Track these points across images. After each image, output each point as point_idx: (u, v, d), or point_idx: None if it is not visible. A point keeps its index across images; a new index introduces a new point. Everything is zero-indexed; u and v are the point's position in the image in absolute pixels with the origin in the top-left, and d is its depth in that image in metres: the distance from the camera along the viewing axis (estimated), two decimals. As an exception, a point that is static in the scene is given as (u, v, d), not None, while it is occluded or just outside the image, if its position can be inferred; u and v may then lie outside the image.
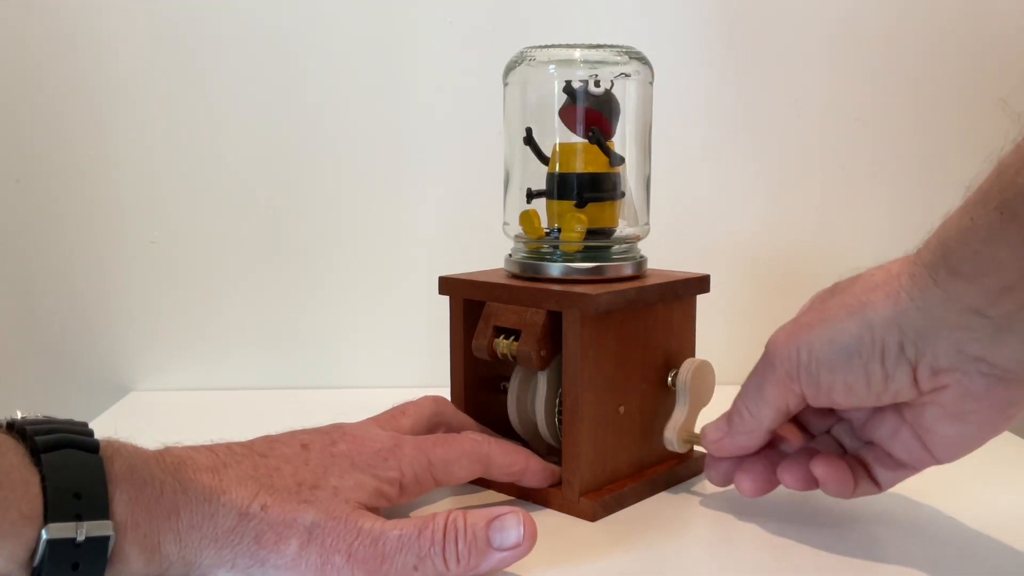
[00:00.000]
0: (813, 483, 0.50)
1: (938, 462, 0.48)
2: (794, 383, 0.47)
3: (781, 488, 0.51)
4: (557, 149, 0.57)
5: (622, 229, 0.58)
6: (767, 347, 0.49)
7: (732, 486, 0.53)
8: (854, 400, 0.46)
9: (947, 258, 0.40)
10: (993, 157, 0.39)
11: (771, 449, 0.52)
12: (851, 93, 0.82)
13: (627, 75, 0.57)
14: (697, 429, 0.55)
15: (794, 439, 0.51)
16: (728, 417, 0.51)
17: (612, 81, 0.57)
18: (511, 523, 0.44)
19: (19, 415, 0.41)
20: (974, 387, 0.43)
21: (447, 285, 0.58)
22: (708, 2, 0.81)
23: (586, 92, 0.56)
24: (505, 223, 0.60)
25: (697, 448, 0.58)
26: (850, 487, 0.49)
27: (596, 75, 0.55)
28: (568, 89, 0.56)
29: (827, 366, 0.46)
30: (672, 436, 0.55)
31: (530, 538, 0.44)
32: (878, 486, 0.49)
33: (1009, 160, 0.38)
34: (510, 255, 0.59)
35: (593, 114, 0.56)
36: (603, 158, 0.56)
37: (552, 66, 0.57)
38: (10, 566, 0.37)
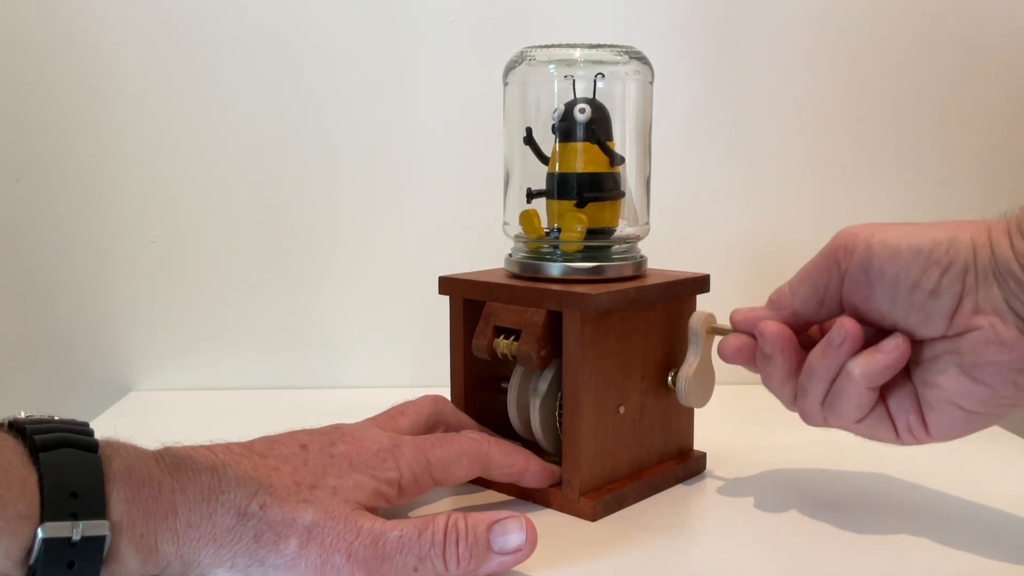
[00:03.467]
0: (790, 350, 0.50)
1: (928, 435, 0.47)
2: (847, 259, 0.47)
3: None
4: (557, 149, 0.57)
5: (622, 229, 0.58)
6: (839, 232, 0.49)
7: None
8: (885, 306, 0.47)
9: (1021, 223, 0.44)
10: None
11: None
12: (851, 93, 0.82)
13: (624, 76, 0.57)
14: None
15: (851, 327, 0.48)
16: (768, 299, 0.52)
17: (596, 102, 0.56)
18: (513, 527, 0.44)
19: (22, 415, 0.42)
20: (1006, 334, 0.44)
21: (447, 285, 0.58)
22: (708, 2, 0.81)
23: (577, 124, 0.56)
24: (505, 223, 0.60)
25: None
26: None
27: (584, 106, 0.55)
28: (566, 118, 0.56)
29: (892, 252, 0.46)
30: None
31: (531, 543, 0.44)
32: (896, 435, 0.49)
33: None
34: (510, 255, 0.59)
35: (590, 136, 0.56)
36: (603, 158, 0.56)
37: (552, 66, 0.57)
38: (6, 564, 0.37)
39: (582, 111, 0.55)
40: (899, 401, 0.48)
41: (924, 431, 0.48)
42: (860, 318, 0.49)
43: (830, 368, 0.48)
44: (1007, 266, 0.44)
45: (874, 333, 0.48)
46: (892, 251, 0.46)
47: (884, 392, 0.48)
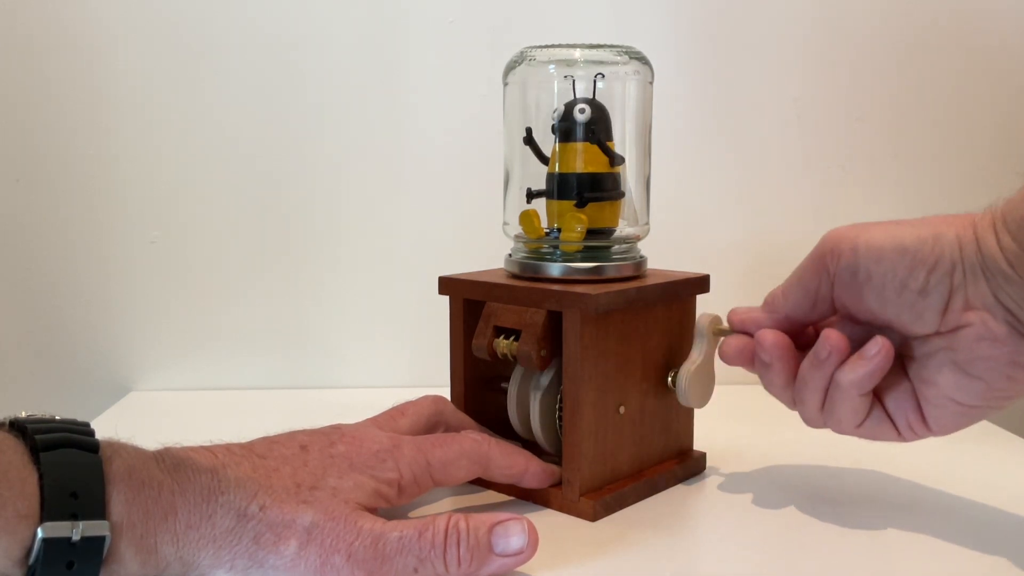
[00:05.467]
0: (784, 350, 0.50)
1: (928, 430, 0.48)
2: (834, 262, 0.48)
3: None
4: (557, 149, 0.57)
5: (622, 229, 0.58)
6: (825, 235, 0.50)
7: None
8: (876, 305, 0.47)
9: (1006, 216, 0.44)
10: None
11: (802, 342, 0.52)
12: (850, 93, 0.82)
13: (618, 75, 0.57)
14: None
15: (835, 339, 0.48)
16: (763, 302, 0.52)
17: (595, 102, 0.56)
18: (515, 529, 0.44)
19: (23, 414, 0.41)
20: (997, 330, 0.44)
21: (447, 285, 0.58)
22: (708, 2, 0.81)
23: (577, 124, 0.56)
24: (505, 223, 0.60)
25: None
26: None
27: (584, 106, 0.55)
28: (566, 118, 0.56)
29: (877, 254, 0.47)
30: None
31: (532, 545, 0.44)
32: (898, 434, 0.49)
33: None
34: (510, 255, 0.59)
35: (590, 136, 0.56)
36: (603, 158, 0.56)
37: (552, 66, 0.57)
38: (5, 564, 0.37)
39: (582, 111, 0.55)
40: (896, 400, 0.48)
41: (924, 427, 0.48)
42: (853, 318, 0.49)
43: (820, 379, 0.48)
44: (994, 262, 0.44)
45: (869, 331, 0.48)
46: (877, 253, 0.47)
47: (881, 393, 0.49)
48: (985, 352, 0.45)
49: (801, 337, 0.52)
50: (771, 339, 0.50)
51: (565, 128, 0.56)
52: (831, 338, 0.48)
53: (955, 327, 0.45)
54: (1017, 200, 0.44)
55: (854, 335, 0.49)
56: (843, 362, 0.48)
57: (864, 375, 0.47)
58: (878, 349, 0.47)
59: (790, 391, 0.51)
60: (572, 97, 0.57)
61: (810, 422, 0.51)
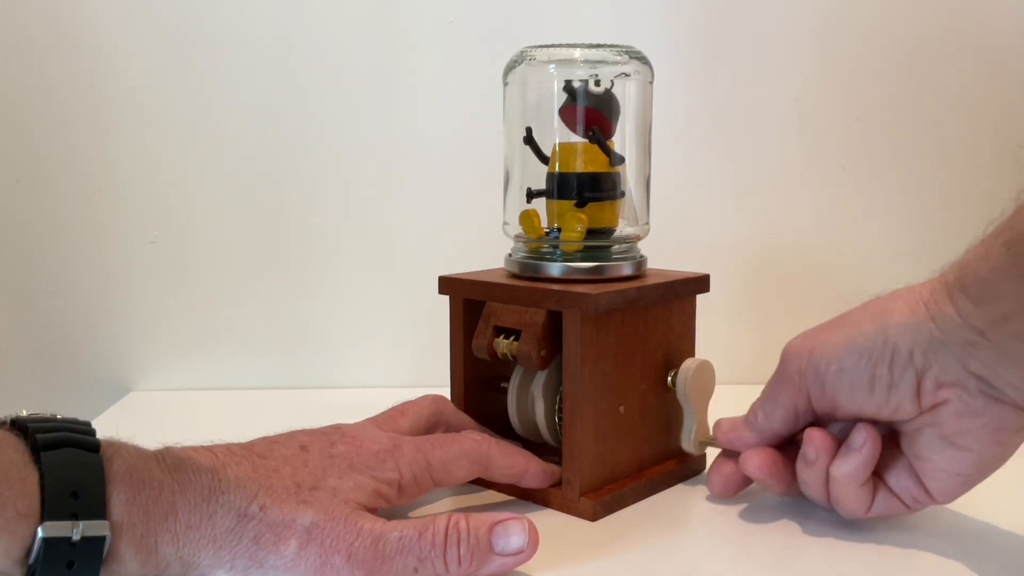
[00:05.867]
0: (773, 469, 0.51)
1: (933, 499, 0.48)
2: (802, 382, 0.49)
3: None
4: (557, 149, 0.57)
5: (622, 229, 0.58)
6: (784, 349, 0.50)
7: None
8: (854, 407, 0.47)
9: (962, 280, 0.43)
10: (1018, 197, 0.42)
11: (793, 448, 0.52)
12: (851, 93, 0.82)
13: (627, 75, 0.57)
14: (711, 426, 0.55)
15: (819, 440, 0.49)
16: (745, 416, 0.53)
17: (612, 81, 0.56)
18: (515, 529, 0.44)
19: (24, 413, 0.41)
20: (973, 404, 0.44)
21: (447, 285, 0.58)
22: (708, 2, 0.81)
23: (586, 91, 0.56)
24: (505, 223, 0.60)
25: (711, 449, 0.58)
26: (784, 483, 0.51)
27: (596, 75, 0.55)
28: (568, 88, 0.56)
29: (837, 366, 0.47)
30: (690, 444, 0.56)
31: (532, 545, 0.44)
32: (907, 508, 0.49)
33: None
34: (510, 255, 0.59)
35: (593, 113, 0.56)
36: (603, 158, 0.56)
37: (552, 66, 0.57)
38: (5, 563, 0.37)
39: (597, 83, 0.55)
40: (898, 478, 0.48)
41: (929, 497, 0.48)
42: (837, 417, 0.50)
43: (817, 477, 0.49)
44: (955, 332, 0.43)
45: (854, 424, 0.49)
46: (837, 363, 0.47)
47: (882, 472, 0.49)
48: (967, 425, 0.45)
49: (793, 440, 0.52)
50: (756, 463, 0.51)
51: (570, 91, 0.56)
52: (815, 439, 0.48)
53: (933, 405, 0.46)
54: (970, 262, 0.43)
55: (844, 428, 0.50)
56: (833, 457, 0.48)
57: (857, 467, 0.47)
58: (863, 440, 0.47)
59: (795, 489, 0.51)
60: (572, 97, 0.57)
61: (826, 508, 0.51)
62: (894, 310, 0.46)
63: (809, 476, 0.49)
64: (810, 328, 0.50)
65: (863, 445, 0.47)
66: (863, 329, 0.46)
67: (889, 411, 0.47)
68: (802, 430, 0.50)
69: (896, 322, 0.45)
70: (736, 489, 0.54)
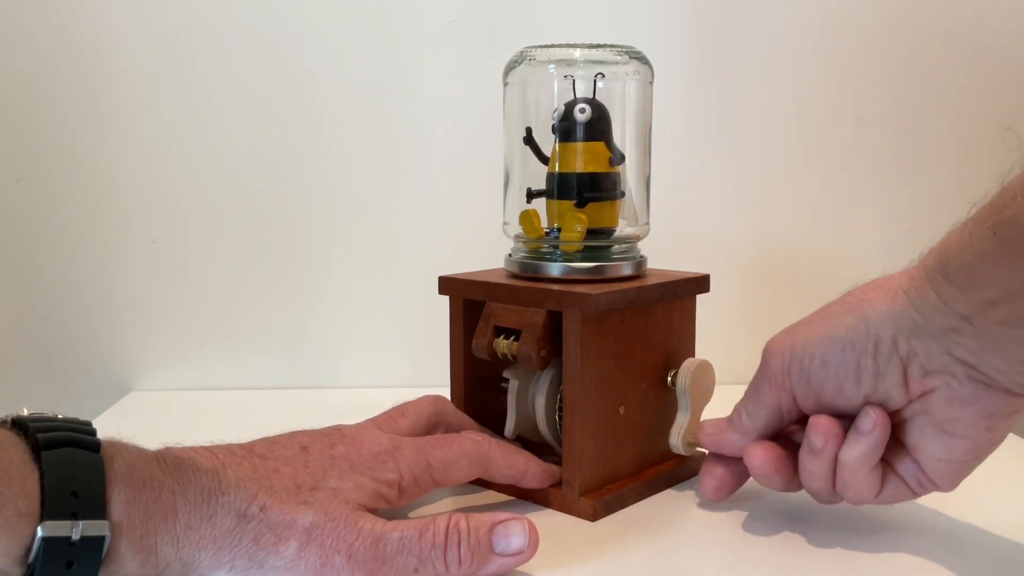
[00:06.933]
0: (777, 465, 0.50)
1: (936, 486, 0.48)
2: (786, 379, 0.48)
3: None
4: (557, 149, 0.57)
5: (622, 229, 0.58)
6: (765, 348, 0.50)
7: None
8: (842, 401, 0.47)
9: (944, 266, 0.42)
10: (1002, 179, 0.42)
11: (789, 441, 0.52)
12: (850, 93, 0.82)
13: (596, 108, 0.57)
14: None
15: (826, 426, 0.48)
16: (728, 418, 0.52)
17: (595, 102, 0.56)
18: (515, 529, 0.44)
19: (25, 412, 0.41)
20: (962, 391, 0.44)
21: (447, 285, 0.58)
22: (709, 2, 0.81)
23: (578, 124, 0.56)
24: (505, 223, 0.60)
25: (700, 450, 0.58)
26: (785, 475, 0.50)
27: (584, 106, 0.55)
28: (567, 118, 0.56)
29: (820, 359, 0.47)
30: (677, 441, 0.56)
31: (533, 545, 0.44)
32: (914, 493, 0.49)
33: (1009, 185, 0.41)
34: (510, 255, 0.59)
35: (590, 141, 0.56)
36: (603, 157, 0.56)
37: (552, 66, 0.57)
38: (5, 562, 0.37)
39: (582, 111, 0.55)
40: (903, 464, 0.48)
41: (932, 483, 0.48)
42: (826, 412, 0.48)
43: (822, 466, 0.48)
44: (937, 319, 0.43)
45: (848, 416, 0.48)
46: (820, 357, 0.47)
47: (887, 458, 0.48)
48: (958, 413, 0.44)
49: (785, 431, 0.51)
50: (761, 458, 0.50)
51: (565, 128, 0.56)
52: (821, 425, 0.47)
53: (922, 393, 0.45)
54: (952, 247, 0.42)
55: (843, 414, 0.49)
56: (841, 442, 0.47)
57: (868, 450, 0.46)
58: (873, 422, 0.46)
59: (795, 483, 0.50)
60: (572, 97, 0.57)
61: (825, 502, 0.50)
62: (873, 300, 0.45)
63: (815, 466, 0.48)
64: (790, 325, 0.50)
65: (873, 428, 0.46)
66: (843, 321, 0.46)
67: (878, 401, 0.46)
68: (787, 426, 0.50)
69: (876, 311, 0.45)
70: (728, 492, 0.53)
